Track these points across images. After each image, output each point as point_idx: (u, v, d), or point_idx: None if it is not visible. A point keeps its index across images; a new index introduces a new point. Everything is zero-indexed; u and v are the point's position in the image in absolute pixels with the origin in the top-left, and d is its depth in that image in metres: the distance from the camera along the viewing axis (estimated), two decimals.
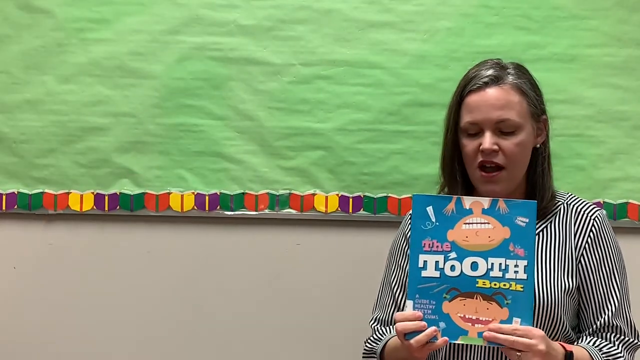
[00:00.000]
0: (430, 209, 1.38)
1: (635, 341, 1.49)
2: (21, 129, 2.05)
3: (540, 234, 1.51)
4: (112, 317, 2.07)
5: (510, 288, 1.33)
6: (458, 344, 1.47)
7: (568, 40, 2.04)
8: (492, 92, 1.46)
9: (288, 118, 2.05)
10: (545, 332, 1.39)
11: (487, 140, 1.45)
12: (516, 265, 1.34)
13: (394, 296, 1.59)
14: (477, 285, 1.34)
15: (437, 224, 1.37)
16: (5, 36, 2.05)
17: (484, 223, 1.36)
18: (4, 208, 2.06)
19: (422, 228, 1.37)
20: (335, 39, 2.04)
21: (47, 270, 2.07)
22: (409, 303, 1.35)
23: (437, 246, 1.36)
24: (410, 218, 1.62)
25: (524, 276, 1.33)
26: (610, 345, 1.46)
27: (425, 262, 1.35)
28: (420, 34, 2.04)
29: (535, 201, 1.38)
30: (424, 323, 1.32)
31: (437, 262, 1.35)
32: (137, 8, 2.04)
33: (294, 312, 2.07)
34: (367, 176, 2.05)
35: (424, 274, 1.35)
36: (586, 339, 1.48)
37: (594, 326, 1.48)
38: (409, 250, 1.58)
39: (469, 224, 1.36)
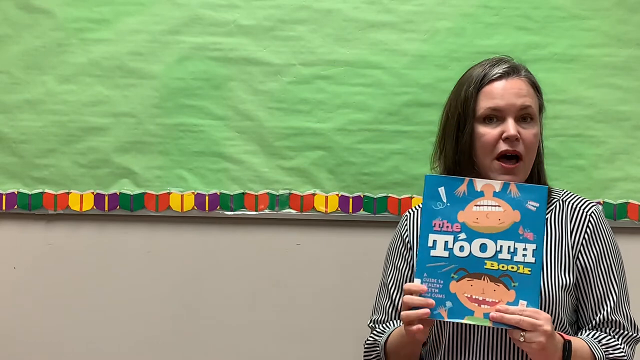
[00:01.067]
0: (442, 190, 1.38)
1: (635, 335, 1.50)
2: (21, 129, 2.05)
3: None
4: (112, 317, 2.07)
5: (518, 271, 1.33)
6: (462, 328, 1.47)
7: (568, 40, 2.04)
8: (513, 82, 1.49)
9: (288, 118, 2.05)
10: None
11: (512, 126, 1.46)
12: (525, 249, 1.34)
13: (391, 297, 1.59)
14: (485, 266, 1.34)
15: (448, 204, 1.37)
16: (5, 36, 2.05)
17: (495, 206, 1.37)
18: (4, 208, 2.06)
19: (433, 208, 1.38)
20: (335, 39, 2.05)
21: (47, 270, 2.07)
22: (417, 281, 1.36)
23: (447, 226, 1.36)
24: (406, 219, 1.63)
25: (532, 260, 1.34)
26: (609, 338, 1.47)
27: (434, 241, 1.36)
28: (420, 34, 2.04)
29: (547, 187, 1.40)
30: (431, 300, 1.33)
31: (446, 242, 1.36)
32: (137, 8, 2.04)
33: (293, 312, 2.08)
34: (367, 176, 2.05)
35: (433, 253, 1.35)
36: (585, 333, 1.49)
37: (593, 322, 1.49)
38: (405, 253, 1.59)
39: (479, 205, 1.37)
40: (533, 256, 1.34)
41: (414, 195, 2.04)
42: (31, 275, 2.08)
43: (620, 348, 1.46)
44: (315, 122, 2.05)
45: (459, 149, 1.52)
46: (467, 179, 1.39)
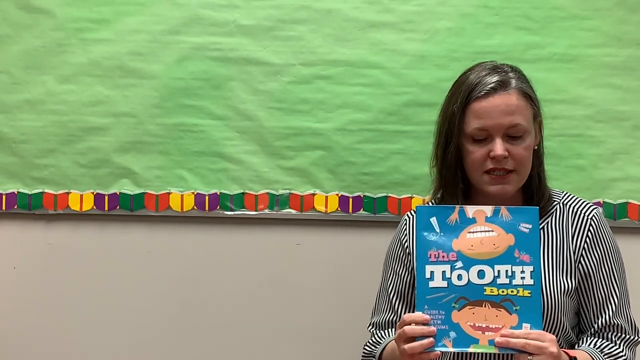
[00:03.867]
0: (434, 220, 1.38)
1: (636, 338, 1.50)
2: (21, 129, 2.05)
3: None
4: (112, 317, 2.07)
5: (518, 294, 1.33)
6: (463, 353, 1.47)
7: (568, 40, 2.03)
8: (501, 98, 1.45)
9: (288, 118, 2.05)
10: None
11: (499, 147, 1.44)
12: (522, 272, 1.34)
13: (391, 302, 1.59)
14: (485, 293, 1.34)
15: (442, 234, 1.37)
16: (5, 36, 2.05)
17: (488, 231, 1.37)
18: (4, 208, 2.06)
19: (427, 239, 1.37)
20: (335, 39, 2.04)
21: (47, 270, 2.07)
22: (418, 314, 1.35)
23: (443, 256, 1.36)
24: (405, 224, 1.62)
25: (531, 282, 1.33)
26: (611, 345, 1.47)
27: (432, 272, 1.35)
28: (420, 34, 2.04)
29: (538, 207, 1.39)
30: (433, 328, 1.32)
31: (444, 272, 1.35)
32: (137, 8, 2.04)
33: (293, 312, 2.07)
34: (367, 176, 2.05)
35: (431, 284, 1.35)
36: (587, 340, 1.48)
37: (595, 326, 1.49)
38: (404, 257, 1.58)
39: (473, 232, 1.37)
40: (531, 278, 1.33)
41: (414, 195, 2.04)
42: (31, 275, 2.08)
43: (623, 355, 1.46)
44: (315, 122, 2.05)
45: (445, 164, 1.52)
46: (457, 206, 1.39)
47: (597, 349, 1.46)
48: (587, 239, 1.50)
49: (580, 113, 2.03)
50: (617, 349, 1.46)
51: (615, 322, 1.48)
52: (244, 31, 2.05)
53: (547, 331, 1.43)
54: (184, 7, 2.04)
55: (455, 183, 1.51)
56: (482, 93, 1.45)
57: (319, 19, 2.04)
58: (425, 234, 1.38)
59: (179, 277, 2.08)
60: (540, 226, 1.51)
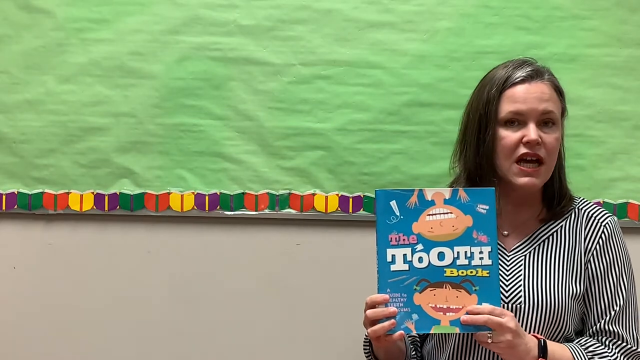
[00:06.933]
0: (393, 203, 1.39)
1: (636, 348, 1.48)
2: (21, 129, 2.05)
3: (551, 237, 1.51)
4: (112, 317, 2.07)
5: (477, 275, 1.36)
6: (465, 344, 1.47)
7: (568, 40, 2.04)
8: (537, 85, 1.49)
9: (288, 118, 2.05)
10: (549, 335, 1.41)
11: (533, 131, 1.46)
12: (481, 252, 1.36)
13: None
14: (445, 274, 1.36)
15: (402, 217, 1.39)
16: (5, 36, 2.05)
17: (447, 213, 1.38)
18: (4, 208, 2.06)
19: (387, 223, 1.39)
20: (335, 39, 2.05)
21: (47, 270, 2.07)
22: None
23: (404, 239, 1.38)
24: None
25: (489, 262, 1.36)
26: (598, 345, 1.46)
27: (393, 256, 1.38)
28: (420, 34, 2.04)
29: (494, 188, 1.40)
30: (394, 309, 1.34)
31: (404, 255, 1.37)
32: (137, 8, 2.04)
33: (293, 312, 2.08)
34: (367, 176, 2.05)
35: (393, 267, 1.37)
36: (577, 339, 1.48)
37: (592, 329, 1.49)
38: None
39: (432, 215, 1.39)
40: (489, 258, 1.36)
41: None
42: (31, 275, 2.08)
43: (608, 356, 1.44)
44: (315, 122, 2.05)
45: (480, 151, 1.51)
46: (417, 189, 1.40)
47: (581, 345, 1.45)
48: (598, 245, 1.49)
49: (580, 113, 2.03)
50: (603, 349, 1.45)
51: (612, 328, 1.47)
52: (244, 31, 2.05)
53: (551, 333, 1.44)
54: (184, 7, 2.04)
55: (492, 170, 1.51)
56: (519, 79, 1.49)
57: (319, 19, 2.05)
58: (386, 217, 1.39)
59: (179, 277, 2.08)
60: (554, 229, 1.51)
